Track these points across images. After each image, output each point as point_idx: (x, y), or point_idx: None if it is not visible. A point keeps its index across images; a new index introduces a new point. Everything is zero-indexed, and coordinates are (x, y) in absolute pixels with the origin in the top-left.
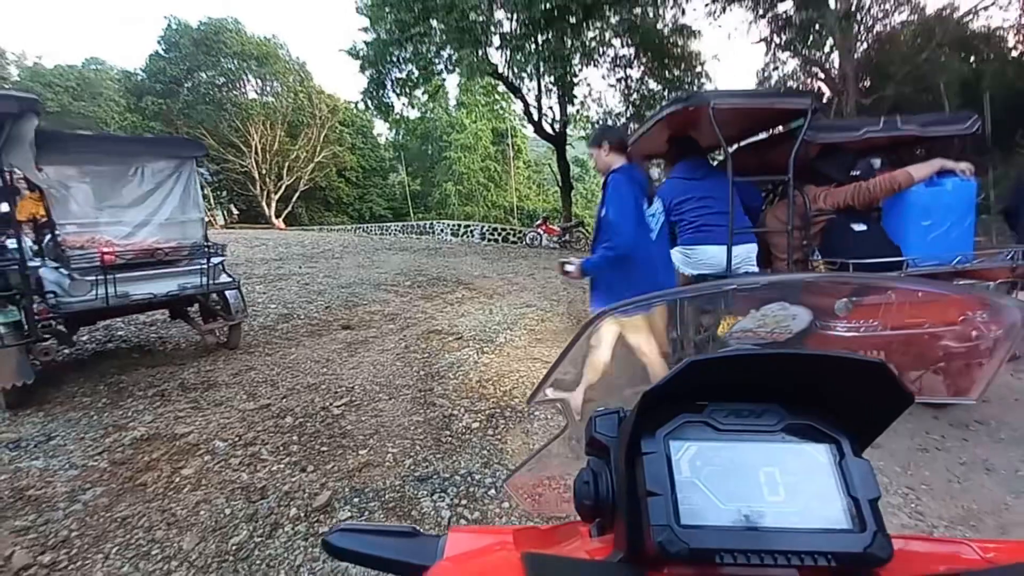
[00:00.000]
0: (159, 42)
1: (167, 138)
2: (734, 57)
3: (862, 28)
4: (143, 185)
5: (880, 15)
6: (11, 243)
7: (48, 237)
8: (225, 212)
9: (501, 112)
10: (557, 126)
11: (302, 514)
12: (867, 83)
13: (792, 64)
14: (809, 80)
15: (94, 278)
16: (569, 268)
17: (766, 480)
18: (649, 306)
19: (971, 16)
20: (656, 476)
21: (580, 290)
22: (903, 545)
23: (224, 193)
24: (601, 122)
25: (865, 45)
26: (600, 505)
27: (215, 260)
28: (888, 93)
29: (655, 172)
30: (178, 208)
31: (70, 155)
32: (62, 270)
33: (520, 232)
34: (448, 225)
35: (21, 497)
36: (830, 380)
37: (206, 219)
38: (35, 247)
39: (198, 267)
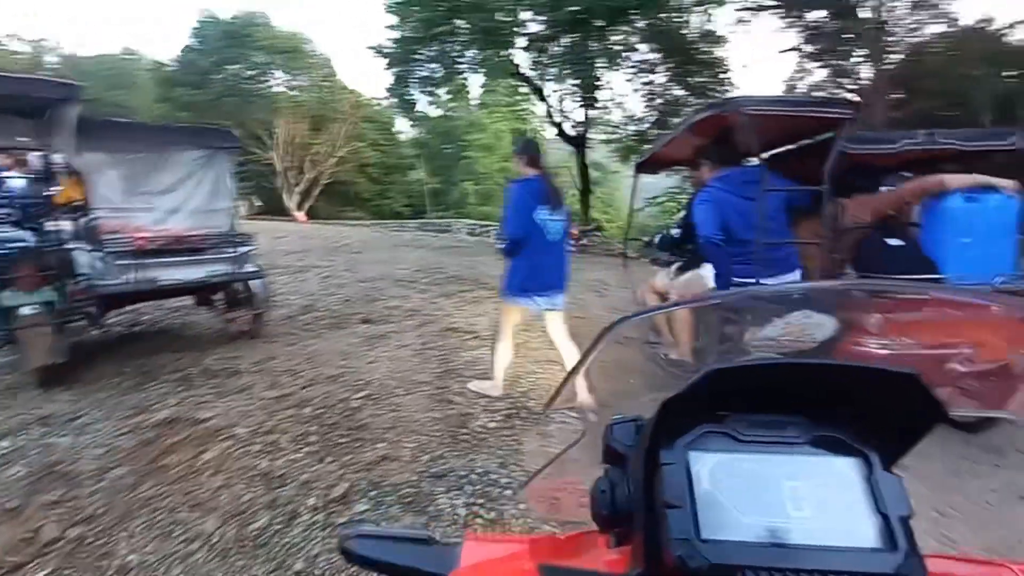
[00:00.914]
0: (192, 35)
1: (202, 128)
2: (761, 65)
3: (894, 39)
4: (176, 173)
5: (913, 26)
6: (50, 226)
7: (84, 221)
8: (247, 203)
9: (522, 114)
10: (578, 129)
11: (320, 504)
12: (897, 95)
13: (820, 74)
14: (838, 90)
15: (126, 262)
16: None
17: (791, 494)
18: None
19: (1008, 30)
20: (675, 488)
21: (596, 295)
22: (937, 566)
23: (246, 184)
24: (624, 126)
25: (897, 57)
26: (618, 515)
27: (242, 249)
28: (919, 106)
29: (675, 179)
30: (209, 197)
31: (108, 141)
32: (96, 253)
33: None
34: (466, 224)
35: (51, 472)
36: (858, 391)
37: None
38: (70, 230)
39: (226, 255)
